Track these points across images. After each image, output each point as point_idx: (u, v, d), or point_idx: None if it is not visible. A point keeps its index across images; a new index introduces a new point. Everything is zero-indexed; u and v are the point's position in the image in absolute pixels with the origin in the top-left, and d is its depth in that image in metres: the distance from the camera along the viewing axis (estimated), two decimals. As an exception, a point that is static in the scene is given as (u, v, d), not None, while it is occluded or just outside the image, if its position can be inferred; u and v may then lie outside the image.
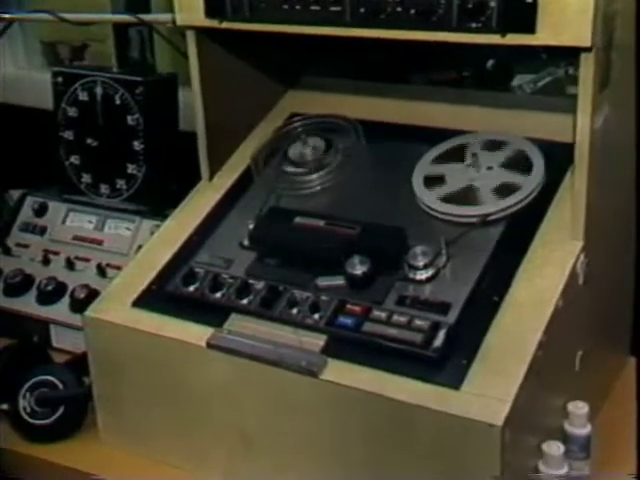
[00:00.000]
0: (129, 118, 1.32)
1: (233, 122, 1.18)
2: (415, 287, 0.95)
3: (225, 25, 1.05)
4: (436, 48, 0.92)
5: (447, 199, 1.02)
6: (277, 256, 1.03)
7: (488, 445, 0.84)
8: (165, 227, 1.15)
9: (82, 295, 1.26)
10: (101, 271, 1.30)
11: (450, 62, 1.28)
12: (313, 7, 0.97)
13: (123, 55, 1.39)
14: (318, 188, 1.10)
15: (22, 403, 1.09)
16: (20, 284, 1.30)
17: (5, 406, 1.10)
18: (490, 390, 0.85)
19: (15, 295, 1.31)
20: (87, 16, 1.30)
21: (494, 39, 0.87)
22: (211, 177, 1.17)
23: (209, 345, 0.97)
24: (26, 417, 1.09)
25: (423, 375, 0.88)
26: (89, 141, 1.37)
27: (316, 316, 0.96)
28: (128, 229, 1.34)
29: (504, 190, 1.01)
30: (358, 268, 0.96)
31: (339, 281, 0.97)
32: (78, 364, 1.13)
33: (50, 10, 1.21)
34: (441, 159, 1.07)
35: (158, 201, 1.33)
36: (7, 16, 1.35)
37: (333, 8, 0.96)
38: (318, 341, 0.94)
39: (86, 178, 1.39)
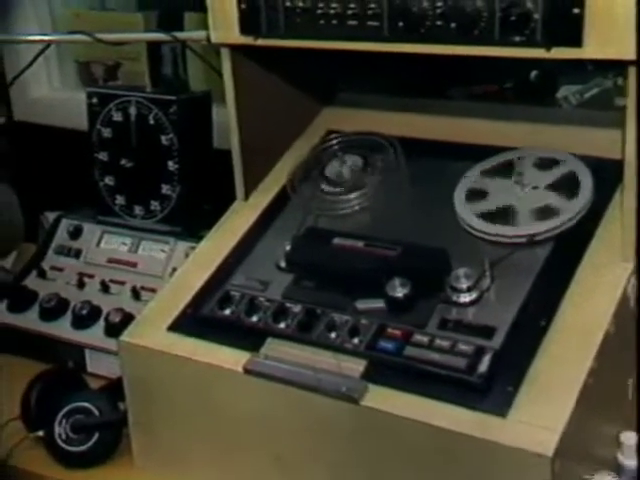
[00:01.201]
0: (163, 138, 1.33)
1: (268, 140, 1.18)
2: (458, 310, 0.94)
3: (260, 42, 1.05)
4: (476, 60, 0.92)
5: (486, 216, 1.00)
6: (315, 278, 1.02)
7: (537, 476, 0.82)
8: (200, 249, 1.15)
9: (117, 319, 1.27)
10: (135, 294, 1.31)
11: (491, 74, 1.27)
12: (350, 22, 0.97)
13: (156, 73, 1.40)
14: (356, 208, 1.09)
15: (58, 430, 1.10)
16: (55, 308, 1.31)
17: (41, 433, 1.11)
18: (538, 418, 0.83)
19: (50, 319, 1.32)
20: (122, 36, 1.31)
21: (538, 53, 0.86)
22: (246, 197, 1.17)
23: (246, 370, 0.96)
24: (61, 444, 1.10)
25: (467, 402, 0.86)
26: (123, 162, 1.38)
27: (355, 340, 0.95)
28: (162, 251, 1.34)
29: (546, 212, 0.99)
30: (399, 290, 0.95)
31: (379, 304, 0.96)
32: (113, 390, 1.13)
33: (85, 31, 1.23)
34: (487, 174, 1.06)
35: (193, 222, 1.34)
36: (45, 38, 1.37)
37: (371, 23, 0.96)
38: (358, 366, 0.93)
39: (120, 199, 1.40)
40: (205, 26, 1.08)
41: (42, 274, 1.38)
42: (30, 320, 1.33)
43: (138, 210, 1.38)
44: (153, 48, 1.40)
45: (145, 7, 1.74)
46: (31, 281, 1.38)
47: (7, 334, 1.34)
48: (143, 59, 1.57)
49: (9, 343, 1.34)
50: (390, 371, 0.91)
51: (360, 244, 1.02)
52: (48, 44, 1.35)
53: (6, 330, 1.34)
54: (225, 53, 1.10)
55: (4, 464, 1.10)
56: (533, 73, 1.24)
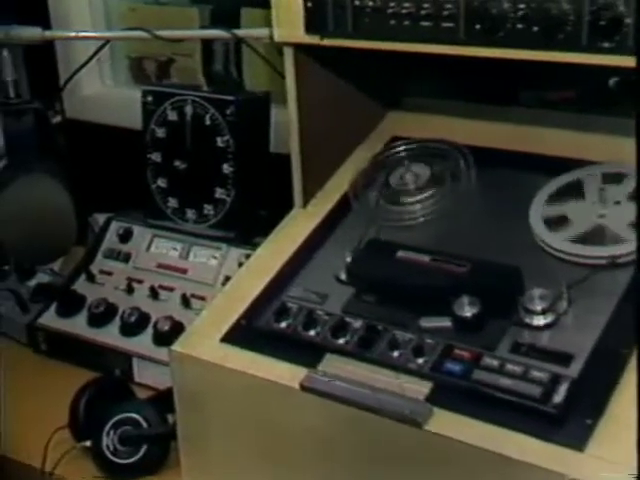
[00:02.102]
0: (219, 139, 1.32)
1: (330, 145, 1.16)
2: (532, 334, 0.91)
3: (326, 42, 1.03)
4: (551, 64, 0.89)
5: (574, 240, 0.97)
6: (377, 293, 1.00)
7: (614, 516, 0.79)
8: (255, 257, 1.14)
9: (166, 327, 1.27)
10: (185, 302, 1.31)
11: (566, 79, 1.23)
12: (423, 23, 0.94)
13: (208, 70, 1.40)
14: (422, 219, 1.07)
15: (105, 441, 1.11)
16: (103, 314, 1.32)
17: (88, 443, 1.12)
18: (619, 454, 0.80)
19: (98, 325, 1.33)
20: (181, 33, 1.31)
21: (629, 61, 0.82)
22: (305, 204, 1.16)
23: (302, 387, 0.95)
24: (109, 455, 1.11)
25: (541, 432, 0.83)
26: (177, 163, 1.38)
27: (420, 360, 0.92)
28: (214, 257, 1.34)
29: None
30: (467, 310, 0.92)
31: (445, 322, 0.94)
32: (162, 401, 1.13)
33: (144, 28, 1.22)
34: (559, 196, 1.02)
35: (247, 228, 1.33)
36: (103, 35, 1.38)
37: (445, 24, 0.93)
38: (422, 388, 0.90)
39: (172, 202, 1.40)
40: (262, 23, 1.07)
41: (91, 278, 1.39)
42: (78, 325, 1.34)
43: (190, 214, 1.38)
44: (207, 44, 1.40)
45: (198, 1, 1.74)
46: (80, 285, 1.39)
47: (55, 339, 1.35)
48: (197, 56, 1.57)
49: (57, 348, 1.35)
50: (456, 395, 0.89)
51: (426, 258, 0.99)
52: (106, 41, 1.35)
53: (54, 335, 1.35)
54: (288, 52, 1.09)
55: (51, 474, 1.11)
56: (612, 80, 1.20)
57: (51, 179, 1.23)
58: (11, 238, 1.24)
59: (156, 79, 1.75)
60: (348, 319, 0.98)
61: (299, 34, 1.05)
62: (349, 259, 1.03)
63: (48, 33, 1.29)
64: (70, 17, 1.74)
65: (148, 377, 1.27)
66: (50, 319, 1.37)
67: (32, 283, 1.45)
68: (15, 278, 1.47)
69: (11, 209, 1.23)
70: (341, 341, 0.97)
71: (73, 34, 1.37)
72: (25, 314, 1.40)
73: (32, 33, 1.25)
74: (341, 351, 0.96)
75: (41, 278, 1.47)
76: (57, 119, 1.26)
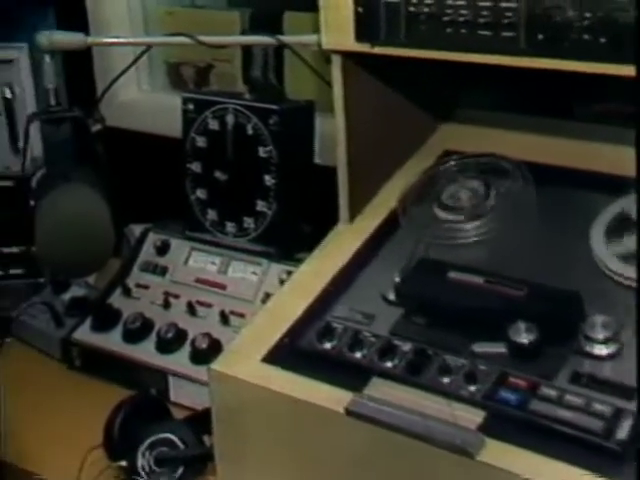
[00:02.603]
0: (261, 150, 1.33)
1: (378, 158, 1.16)
2: (593, 363, 0.89)
3: (377, 50, 1.03)
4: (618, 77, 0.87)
5: (628, 258, 0.95)
6: (427, 315, 0.99)
7: None
8: (298, 274, 1.14)
9: (203, 345, 1.27)
10: (224, 318, 1.31)
11: (626, 92, 1.21)
12: (482, 32, 0.93)
13: (247, 76, 1.40)
14: (475, 238, 1.05)
15: (141, 462, 1.11)
16: (140, 329, 1.33)
17: (124, 463, 1.12)
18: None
19: (134, 341, 1.33)
20: (225, 39, 1.31)
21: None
22: (351, 219, 1.16)
23: (347, 411, 0.94)
24: (145, 476, 1.11)
25: (602, 469, 0.81)
26: (217, 174, 1.38)
27: (472, 388, 0.91)
28: (254, 273, 1.34)
29: None
30: (524, 336, 0.91)
31: (500, 348, 0.92)
32: (198, 421, 1.14)
33: (186, 33, 1.23)
34: (622, 218, 1.00)
35: (289, 243, 1.33)
36: (145, 40, 1.38)
37: (505, 34, 0.92)
38: (475, 417, 0.89)
39: (212, 214, 1.40)
40: (307, 28, 1.07)
41: (127, 292, 1.40)
42: (113, 341, 1.35)
43: (230, 227, 1.38)
44: (247, 50, 1.40)
45: (236, 4, 1.74)
46: (115, 299, 1.40)
47: (90, 354, 1.36)
48: (236, 61, 1.57)
49: (92, 364, 1.36)
50: (511, 425, 0.87)
51: (479, 280, 0.98)
52: (148, 47, 1.36)
53: (89, 350, 1.36)
54: (337, 60, 1.09)
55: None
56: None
57: (90, 189, 1.24)
58: (48, 249, 1.25)
59: (194, 85, 1.76)
60: (396, 341, 0.98)
61: (348, 41, 1.05)
62: (398, 278, 1.03)
63: (90, 39, 1.30)
64: (109, 22, 1.76)
65: (184, 396, 1.27)
66: (85, 334, 1.38)
67: (67, 296, 1.47)
68: (50, 291, 1.49)
69: (48, 219, 1.24)
70: (389, 364, 0.96)
71: (115, 40, 1.38)
72: (59, 328, 1.41)
73: (75, 39, 1.26)
74: (388, 375, 0.96)
75: (76, 291, 1.48)
76: (97, 127, 1.27)
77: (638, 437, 0.82)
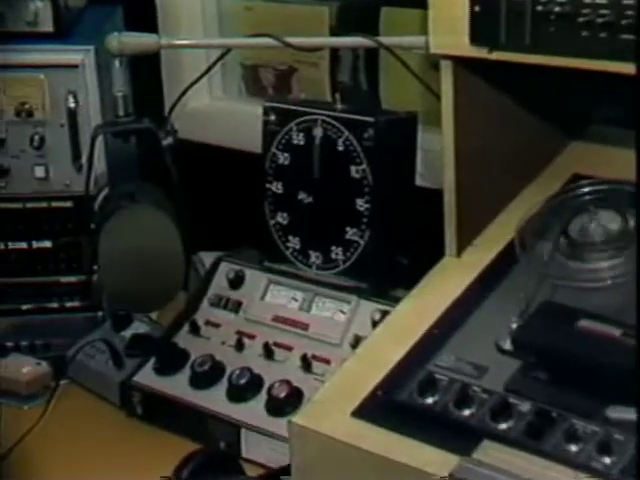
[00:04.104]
0: (353, 169, 1.33)
1: (493, 182, 1.16)
2: None
3: (496, 56, 1.03)
4: None
5: None
6: (550, 369, 0.98)
7: None
8: (395, 314, 1.14)
9: (282, 394, 1.28)
10: (305, 364, 1.32)
11: None
12: (625, 36, 0.92)
13: (336, 82, 1.41)
14: (610, 282, 1.04)
15: (208, 525, 1.13)
16: (209, 374, 1.34)
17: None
18: None
19: (202, 387, 1.34)
20: (317, 40, 1.34)
21: None
22: (459, 252, 1.16)
23: (452, 478, 0.93)
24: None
25: None
26: (301, 196, 1.40)
27: (607, 460, 0.89)
28: (342, 312, 1.34)
29: None
30: (669, 400, 0.89)
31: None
32: (273, 482, 1.15)
33: (271, 34, 1.24)
34: None
35: (383, 278, 1.34)
36: (225, 42, 1.40)
37: (654, 39, 0.91)
38: (609, 495, 0.88)
39: (293, 242, 1.41)
40: (408, 27, 1.06)
41: (195, 330, 1.42)
42: (179, 386, 1.36)
43: (315, 257, 1.39)
44: (335, 52, 1.40)
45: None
46: (182, 338, 1.42)
47: (152, 401, 1.38)
48: (324, 64, 1.58)
49: (154, 412, 1.38)
50: (654, 507, 0.86)
51: (616, 332, 0.97)
52: (227, 50, 1.38)
53: (151, 396, 1.38)
54: (447, 67, 1.09)
55: None
56: None
57: (159, 211, 1.26)
58: (111, 279, 1.28)
59: (274, 91, 1.78)
60: (512, 399, 0.97)
61: (462, 45, 1.05)
62: (515, 324, 1.02)
63: (165, 40, 1.33)
64: (179, 20, 1.79)
65: (259, 452, 1.28)
66: (147, 377, 1.39)
67: (127, 333, 1.49)
68: (109, 327, 1.51)
69: (112, 245, 1.26)
70: (503, 426, 0.96)
71: (192, 42, 1.41)
72: (119, 370, 1.43)
73: (148, 41, 1.29)
74: (503, 438, 0.95)
75: (138, 328, 1.50)
76: (168, 141, 1.28)
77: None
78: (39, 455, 1.31)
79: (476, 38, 1.03)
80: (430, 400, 1.00)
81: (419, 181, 1.36)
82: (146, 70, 1.72)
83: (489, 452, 0.94)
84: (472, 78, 1.10)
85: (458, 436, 0.96)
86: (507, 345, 1.02)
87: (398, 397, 1.02)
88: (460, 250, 1.15)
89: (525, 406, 0.96)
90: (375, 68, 1.58)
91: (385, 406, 1.03)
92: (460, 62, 1.08)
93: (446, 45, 1.07)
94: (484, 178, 1.14)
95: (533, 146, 1.18)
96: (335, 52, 1.53)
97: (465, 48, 1.05)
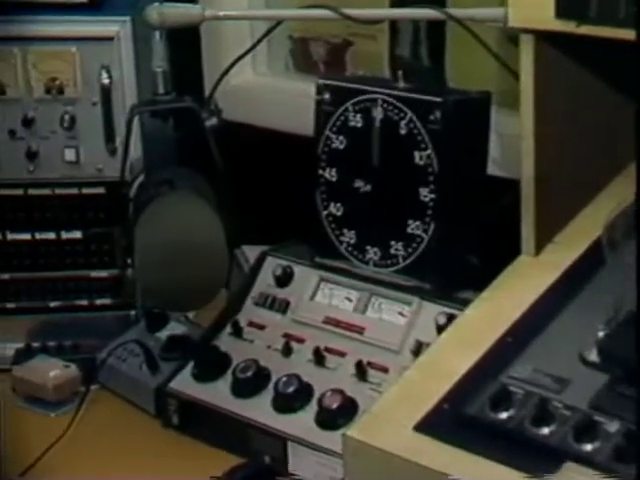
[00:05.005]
0: (417, 155, 1.33)
1: (576, 171, 1.15)
2: None
3: (585, 30, 1.02)
4: None
5: None
6: (642, 385, 0.98)
7: None
8: (464, 318, 1.14)
9: (334, 405, 1.28)
10: (360, 372, 1.31)
11: None
12: None
13: (395, 57, 1.40)
14: None
15: None
16: (252, 381, 1.35)
17: None
18: None
19: (245, 395, 1.35)
20: (378, 12, 1.33)
21: None
22: (538, 251, 1.16)
23: (531, 503, 0.94)
24: None
25: None
26: (358, 184, 1.39)
27: None
28: (402, 314, 1.34)
29: None
30: None
31: None
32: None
33: (330, 6, 1.24)
34: None
35: (450, 277, 1.34)
36: (277, 13, 1.40)
37: None
38: None
39: (348, 236, 1.41)
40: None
41: (237, 332, 1.42)
42: (219, 394, 1.37)
43: (372, 253, 1.39)
44: (395, 24, 1.39)
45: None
46: (223, 340, 1.43)
47: (190, 410, 1.38)
48: (382, 38, 1.57)
49: (192, 422, 1.39)
50: None
51: None
52: (277, 22, 1.38)
53: (189, 405, 1.38)
54: (528, 42, 1.09)
55: None
56: None
57: (201, 199, 1.26)
58: (147, 274, 1.28)
59: (325, 67, 1.79)
60: (598, 417, 0.96)
61: (546, 18, 1.05)
62: (602, 333, 1.02)
63: (209, 12, 1.33)
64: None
65: (307, 468, 1.28)
66: (184, 383, 1.39)
67: (163, 335, 1.50)
68: (143, 327, 1.52)
69: (148, 238, 1.26)
70: (588, 447, 0.95)
71: (241, 13, 1.41)
72: (154, 375, 1.43)
73: (191, 12, 1.29)
74: (587, 460, 0.94)
75: (174, 328, 1.51)
76: (212, 122, 1.28)
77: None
78: (66, 468, 1.32)
79: (563, 10, 1.03)
80: (504, 415, 0.99)
81: (492, 169, 1.36)
82: (183, 45, 1.74)
83: (572, 476, 0.94)
84: (556, 55, 1.10)
85: (535, 456, 0.96)
86: (593, 356, 1.01)
87: (467, 411, 1.01)
88: (539, 248, 1.15)
89: (613, 426, 0.95)
90: (439, 42, 1.57)
91: (452, 421, 1.02)
92: (543, 37, 1.08)
93: (528, 18, 1.07)
94: (567, 167, 1.14)
95: (625, 133, 1.16)
96: (394, 24, 1.52)
97: (550, 21, 1.04)
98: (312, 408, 1.31)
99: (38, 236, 1.55)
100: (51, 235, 1.55)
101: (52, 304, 1.57)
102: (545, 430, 0.97)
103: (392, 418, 1.05)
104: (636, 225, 0.92)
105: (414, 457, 1.01)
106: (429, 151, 1.32)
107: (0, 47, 1.50)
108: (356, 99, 1.38)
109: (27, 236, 1.55)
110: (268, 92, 1.81)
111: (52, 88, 1.48)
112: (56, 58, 1.48)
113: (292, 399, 1.32)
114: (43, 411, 1.44)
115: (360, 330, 1.36)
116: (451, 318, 1.25)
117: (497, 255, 1.19)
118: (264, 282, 1.46)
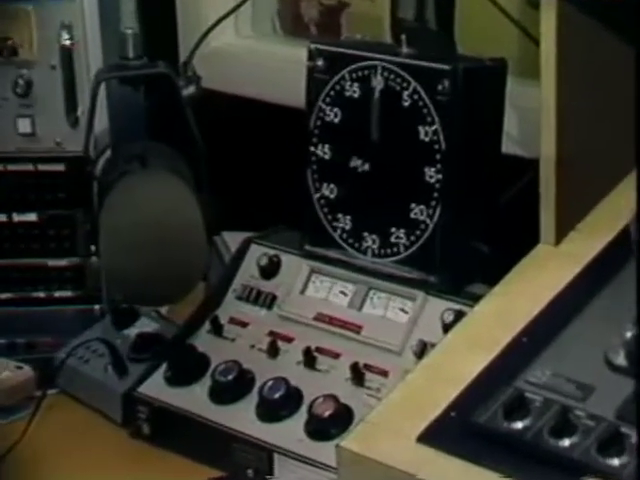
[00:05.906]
0: (422, 130, 1.33)
1: (602, 153, 1.17)
2: None
3: (614, -7, 1.04)
4: None
5: None
6: (675, 393, 0.99)
7: None
8: (474, 316, 1.15)
9: (326, 412, 1.28)
10: (357, 375, 1.32)
11: None
12: None
13: (394, 19, 1.40)
14: None
15: None
16: (234, 385, 1.35)
17: None
18: None
19: (226, 401, 1.35)
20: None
21: None
22: (558, 240, 1.17)
23: (548, 522, 0.95)
24: None
25: None
26: (354, 163, 1.40)
27: None
28: (403, 311, 1.35)
29: None
30: None
31: None
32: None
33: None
34: None
35: (458, 269, 1.34)
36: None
37: None
38: None
39: (343, 222, 1.41)
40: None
41: (217, 330, 1.43)
42: (196, 400, 1.37)
43: (370, 241, 1.39)
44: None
45: None
46: (200, 339, 1.43)
47: (162, 418, 1.38)
48: (383, -1, 1.58)
49: (165, 432, 1.38)
50: None
51: None
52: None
53: (161, 412, 1.38)
54: (549, 4, 1.09)
55: None
56: None
57: (176, 178, 1.26)
58: (113, 263, 1.28)
59: (317, 30, 1.80)
60: (625, 429, 0.97)
61: (571, -23, 1.07)
62: (630, 333, 1.02)
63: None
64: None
65: (294, 482, 1.31)
66: (156, 388, 1.40)
67: (132, 332, 1.49)
68: (109, 323, 1.52)
69: (116, 222, 1.26)
70: (614, 462, 0.96)
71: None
72: (121, 378, 1.43)
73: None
74: (612, 476, 0.95)
75: (144, 325, 1.51)
76: (189, 90, 1.28)
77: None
78: (20, 481, 1.34)
79: (590, -33, 1.05)
80: (519, 425, 1.00)
81: (507, 148, 1.36)
82: (156, 2, 1.74)
83: (596, 493, 0.96)
84: (581, 19, 1.11)
85: (554, 472, 0.97)
86: (620, 360, 1.02)
87: (477, 420, 1.02)
88: (559, 237, 1.17)
89: (641, 437, 0.97)
90: (448, 1, 1.58)
91: (460, 431, 1.03)
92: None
93: (550, -23, 1.08)
94: (593, 146, 1.16)
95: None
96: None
97: (575, -19, 1.06)
98: (301, 416, 1.31)
99: (-14, 219, 1.56)
100: (2, 217, 1.54)
101: (3, 296, 1.57)
102: (566, 442, 0.98)
103: (392, 428, 1.07)
104: (637, 225, 0.96)
105: (417, 471, 1.02)
106: (435, 126, 1.32)
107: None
108: (353, 66, 1.38)
109: (-27, 219, 1.56)
110: (252, 57, 1.82)
111: (4, 49, 1.48)
112: (9, 17, 1.48)
113: (279, 406, 1.32)
114: (-7, 417, 1.46)
115: (356, 328, 1.36)
116: (459, 315, 1.26)
117: (512, 244, 1.21)
118: (247, 273, 1.46)
